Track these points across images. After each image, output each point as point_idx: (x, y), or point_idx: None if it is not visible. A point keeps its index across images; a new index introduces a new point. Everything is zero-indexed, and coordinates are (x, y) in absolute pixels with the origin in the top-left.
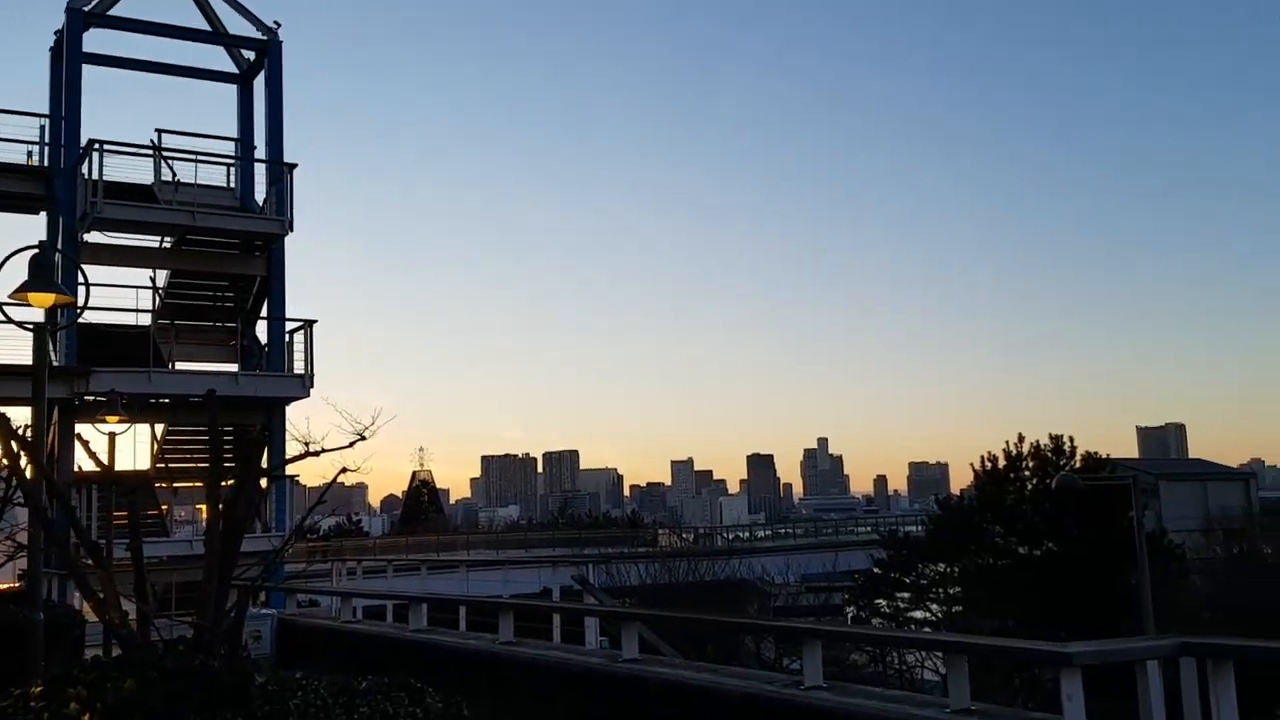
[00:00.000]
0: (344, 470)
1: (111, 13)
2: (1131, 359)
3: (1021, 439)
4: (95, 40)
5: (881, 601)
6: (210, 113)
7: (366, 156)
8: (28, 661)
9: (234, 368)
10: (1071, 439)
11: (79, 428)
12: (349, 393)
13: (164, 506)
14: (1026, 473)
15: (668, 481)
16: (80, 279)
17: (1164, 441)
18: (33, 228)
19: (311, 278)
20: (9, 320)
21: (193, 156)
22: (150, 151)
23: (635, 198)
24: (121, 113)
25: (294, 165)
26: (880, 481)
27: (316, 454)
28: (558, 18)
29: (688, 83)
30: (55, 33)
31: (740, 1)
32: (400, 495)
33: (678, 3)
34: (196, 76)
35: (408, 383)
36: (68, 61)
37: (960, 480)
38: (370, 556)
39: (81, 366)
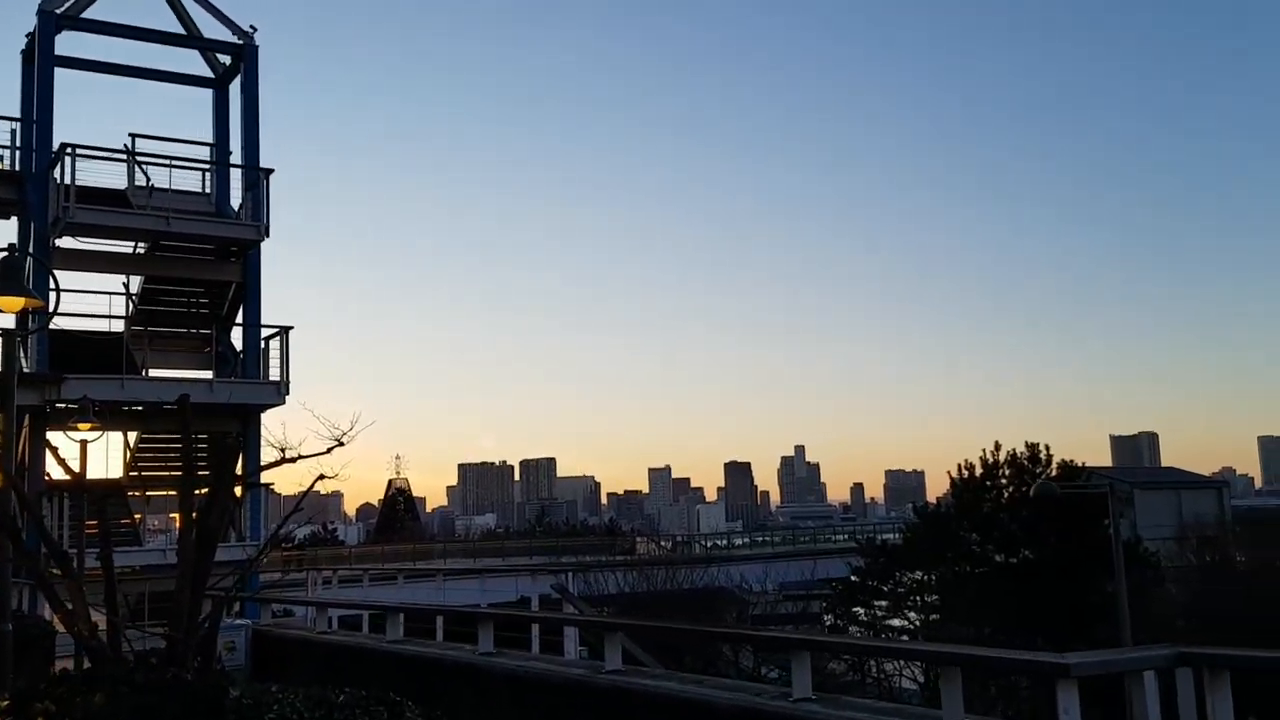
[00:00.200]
0: (321, 476)
1: (84, 15)
2: (1104, 367)
3: (998, 447)
4: (68, 43)
5: (859, 610)
6: (185, 117)
7: (342, 162)
8: None
9: (209, 374)
10: (1048, 447)
11: (50, 435)
12: (325, 400)
13: (136, 515)
14: (1003, 481)
15: (645, 489)
16: (51, 284)
17: (1137, 450)
18: (3, 232)
19: (287, 284)
20: None
21: (167, 161)
22: (124, 156)
23: (611, 206)
24: (95, 117)
25: (270, 170)
26: (857, 489)
27: (293, 460)
28: (535, 26)
29: (659, 89)
30: (27, 35)
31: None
32: (376, 504)
33: (645, 8)
34: (171, 80)
35: (384, 390)
36: (39, 64)
37: (937, 488)
38: (346, 565)
39: (53, 373)
